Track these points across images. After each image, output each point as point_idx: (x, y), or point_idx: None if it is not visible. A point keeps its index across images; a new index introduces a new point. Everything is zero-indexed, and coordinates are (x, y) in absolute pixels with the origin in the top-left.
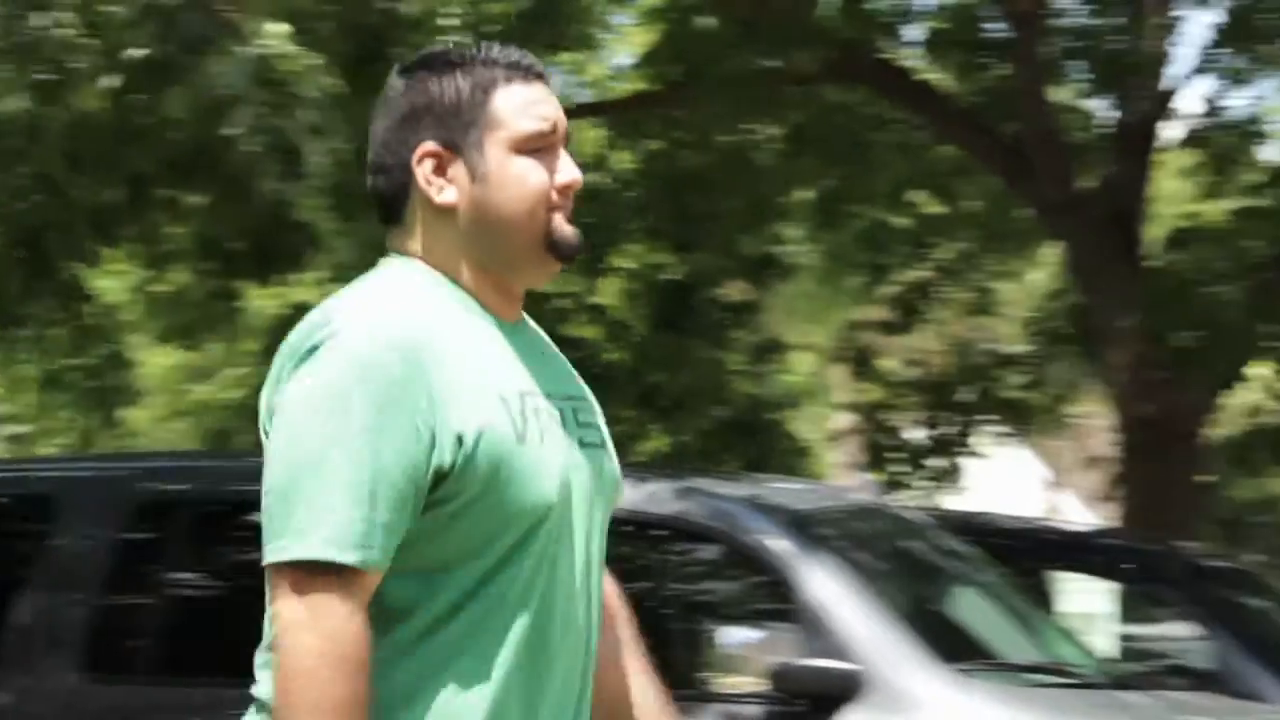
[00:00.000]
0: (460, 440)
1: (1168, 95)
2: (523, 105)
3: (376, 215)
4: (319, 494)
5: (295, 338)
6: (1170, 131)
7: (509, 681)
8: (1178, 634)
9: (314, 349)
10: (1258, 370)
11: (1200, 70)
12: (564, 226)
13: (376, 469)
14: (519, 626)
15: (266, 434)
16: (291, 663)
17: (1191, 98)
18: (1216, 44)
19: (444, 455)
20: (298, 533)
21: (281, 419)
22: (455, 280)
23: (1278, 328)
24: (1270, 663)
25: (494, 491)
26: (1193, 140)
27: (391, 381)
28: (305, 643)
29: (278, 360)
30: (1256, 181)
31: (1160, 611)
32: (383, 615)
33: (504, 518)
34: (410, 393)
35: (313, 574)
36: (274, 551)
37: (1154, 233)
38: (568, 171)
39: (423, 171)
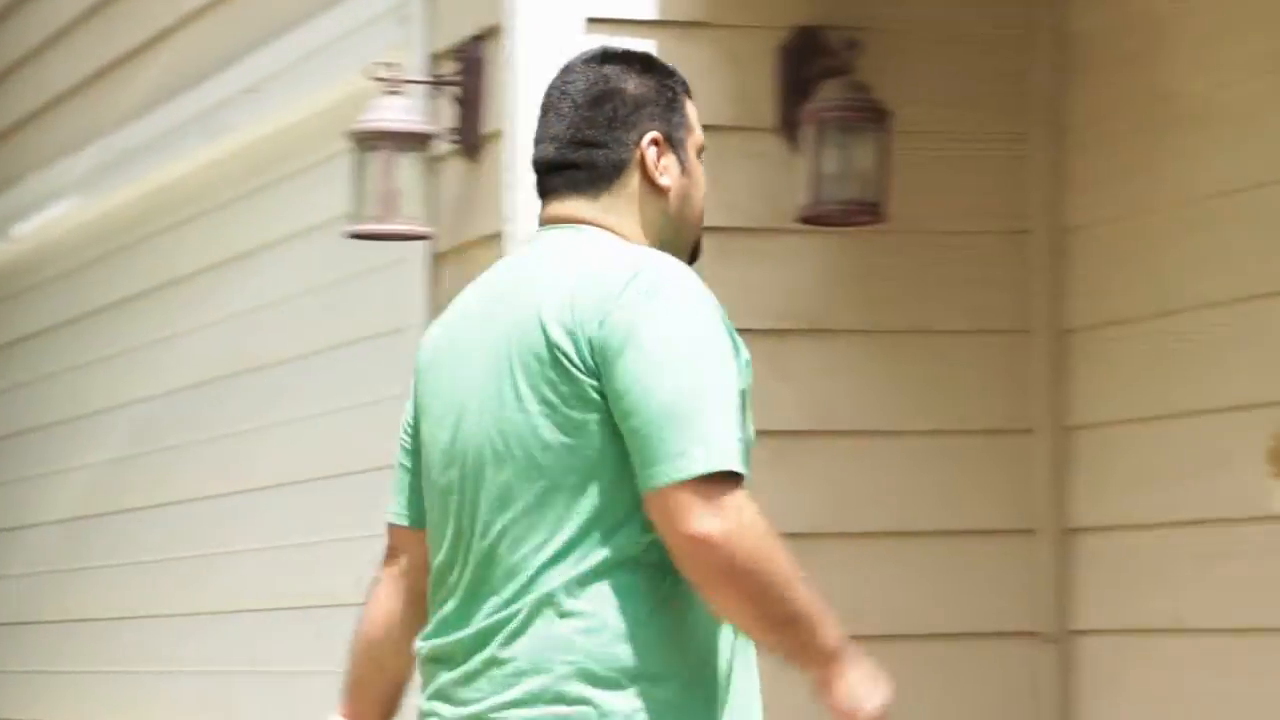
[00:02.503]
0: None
1: None
2: (696, 118)
3: (560, 182)
4: (716, 416)
5: (619, 272)
6: None
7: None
8: None
9: (654, 286)
10: None
11: None
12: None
13: (734, 394)
14: None
15: (562, 352)
16: (760, 547)
17: None
18: None
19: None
20: (712, 447)
21: (663, 350)
22: None
23: None
24: None
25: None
26: None
27: (724, 315)
28: (759, 529)
29: (600, 291)
30: None
31: None
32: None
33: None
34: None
35: (725, 485)
36: (687, 466)
37: None
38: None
39: (652, 155)
